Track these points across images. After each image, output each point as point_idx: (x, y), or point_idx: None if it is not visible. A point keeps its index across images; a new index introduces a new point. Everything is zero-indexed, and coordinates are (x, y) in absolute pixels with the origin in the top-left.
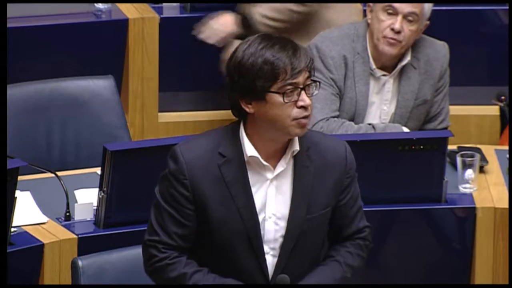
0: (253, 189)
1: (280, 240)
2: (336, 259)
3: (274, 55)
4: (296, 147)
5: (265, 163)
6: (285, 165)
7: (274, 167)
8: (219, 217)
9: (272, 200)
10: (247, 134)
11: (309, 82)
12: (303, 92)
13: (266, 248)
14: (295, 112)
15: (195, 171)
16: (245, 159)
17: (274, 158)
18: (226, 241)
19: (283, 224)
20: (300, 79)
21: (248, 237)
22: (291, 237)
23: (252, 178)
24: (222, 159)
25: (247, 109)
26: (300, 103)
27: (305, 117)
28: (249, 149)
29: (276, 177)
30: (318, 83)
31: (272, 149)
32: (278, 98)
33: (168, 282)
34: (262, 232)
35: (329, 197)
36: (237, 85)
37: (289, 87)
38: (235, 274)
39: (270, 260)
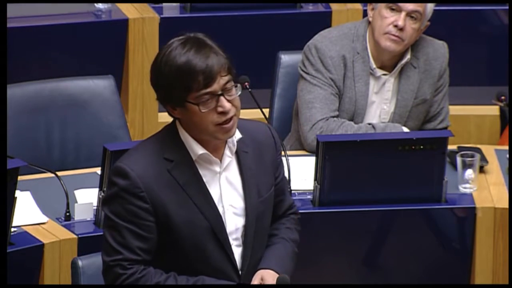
0: (207, 185)
1: (242, 229)
2: (282, 236)
3: (186, 64)
4: (239, 135)
5: (214, 157)
6: (231, 155)
7: (220, 159)
8: (183, 220)
9: (226, 191)
10: (190, 134)
11: (229, 86)
12: (221, 98)
13: (230, 239)
14: (216, 117)
15: (148, 181)
16: (193, 158)
17: (218, 151)
18: (195, 242)
19: (241, 213)
20: (216, 86)
21: (214, 233)
22: (250, 224)
23: (203, 175)
24: (170, 164)
25: (174, 114)
26: (220, 109)
27: (226, 121)
28: (198, 148)
29: (224, 168)
30: (238, 86)
31: (214, 143)
32: (196, 107)
33: None
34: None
35: (271, 176)
36: (157, 94)
37: (205, 96)
38: (205, 272)
39: (236, 251)
